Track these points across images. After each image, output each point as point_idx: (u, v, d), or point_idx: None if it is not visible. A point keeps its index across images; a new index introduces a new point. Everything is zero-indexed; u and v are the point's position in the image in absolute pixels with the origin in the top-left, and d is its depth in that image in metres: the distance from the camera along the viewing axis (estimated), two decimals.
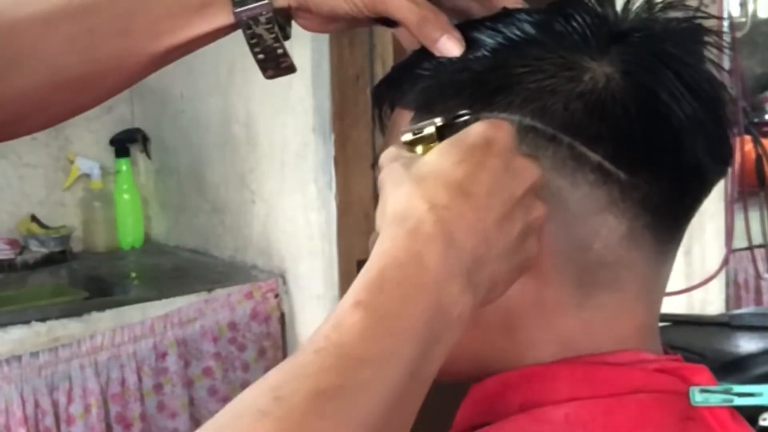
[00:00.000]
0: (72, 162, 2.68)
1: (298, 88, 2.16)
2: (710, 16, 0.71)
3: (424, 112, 0.67)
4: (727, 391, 0.65)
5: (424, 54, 0.68)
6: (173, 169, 2.71)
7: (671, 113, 0.64)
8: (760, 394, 0.65)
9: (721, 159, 0.68)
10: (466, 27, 0.68)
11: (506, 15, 0.68)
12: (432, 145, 0.60)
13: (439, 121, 0.60)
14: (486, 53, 0.66)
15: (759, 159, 2.52)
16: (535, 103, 0.63)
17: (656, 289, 0.69)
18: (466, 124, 0.60)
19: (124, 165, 2.70)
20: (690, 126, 0.64)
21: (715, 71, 0.67)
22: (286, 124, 2.23)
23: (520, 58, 0.65)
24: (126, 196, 2.69)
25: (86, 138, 2.73)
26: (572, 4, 0.67)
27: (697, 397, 0.65)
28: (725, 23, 2.26)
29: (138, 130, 2.75)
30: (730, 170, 2.32)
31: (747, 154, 2.52)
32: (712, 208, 2.41)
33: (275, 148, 2.29)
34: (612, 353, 0.66)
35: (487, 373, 0.67)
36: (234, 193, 2.47)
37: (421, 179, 0.56)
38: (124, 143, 2.72)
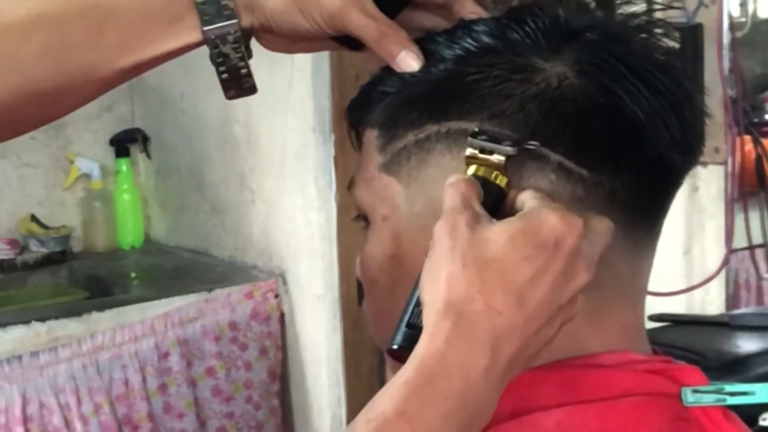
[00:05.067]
0: (72, 162, 2.68)
1: (298, 88, 2.16)
2: (668, 8, 0.71)
3: (387, 128, 0.68)
4: (719, 391, 0.65)
5: (387, 72, 0.69)
6: (173, 169, 2.71)
7: (627, 109, 0.64)
8: (753, 393, 0.65)
9: (687, 151, 0.67)
10: (425, 41, 0.69)
11: (462, 26, 0.68)
12: (493, 172, 0.62)
13: (511, 150, 0.62)
14: (442, 65, 0.67)
15: (759, 159, 2.52)
16: (489, 109, 0.64)
17: (636, 285, 0.69)
18: (529, 152, 0.62)
19: (124, 165, 2.69)
20: (649, 120, 0.64)
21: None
22: (286, 124, 2.23)
23: (474, 66, 0.65)
24: (126, 196, 2.69)
25: (86, 138, 2.72)
26: (526, 10, 0.67)
27: (690, 398, 0.65)
28: (725, 23, 2.26)
29: (138, 130, 2.75)
30: (730, 170, 2.32)
31: (747, 154, 2.51)
32: (712, 208, 2.41)
33: (275, 148, 2.29)
34: (599, 355, 0.65)
35: None
36: (234, 193, 2.47)
37: (484, 267, 0.57)
38: (124, 143, 2.72)
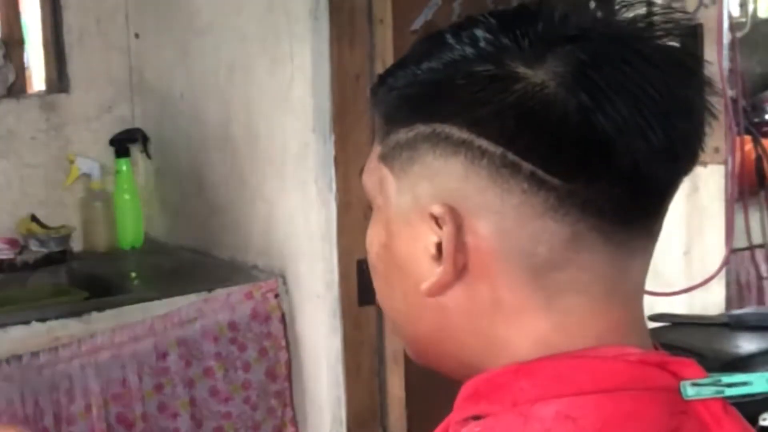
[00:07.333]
0: (72, 162, 2.67)
1: (298, 88, 2.16)
2: (673, 10, 0.70)
3: (387, 121, 0.70)
4: (716, 383, 0.65)
5: (398, 66, 0.70)
6: (173, 169, 2.71)
7: (604, 119, 0.63)
8: (750, 383, 0.65)
9: (674, 159, 0.66)
10: (435, 36, 0.69)
11: (468, 27, 0.68)
12: None
13: None
14: (441, 68, 0.67)
15: (759, 159, 2.52)
16: (469, 115, 0.65)
17: (626, 286, 0.68)
18: None
19: (124, 165, 2.69)
20: (622, 133, 0.63)
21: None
22: (286, 124, 2.23)
23: (465, 71, 0.66)
24: (126, 196, 2.69)
25: (86, 138, 2.72)
26: (523, 11, 0.68)
27: (689, 391, 0.65)
28: (725, 23, 2.26)
29: (138, 130, 2.75)
30: (730, 170, 2.32)
31: (747, 154, 2.52)
32: (712, 208, 2.41)
33: (275, 148, 2.29)
34: (594, 348, 0.66)
35: (472, 370, 0.68)
36: (234, 193, 2.47)
37: None
38: (124, 143, 2.72)
